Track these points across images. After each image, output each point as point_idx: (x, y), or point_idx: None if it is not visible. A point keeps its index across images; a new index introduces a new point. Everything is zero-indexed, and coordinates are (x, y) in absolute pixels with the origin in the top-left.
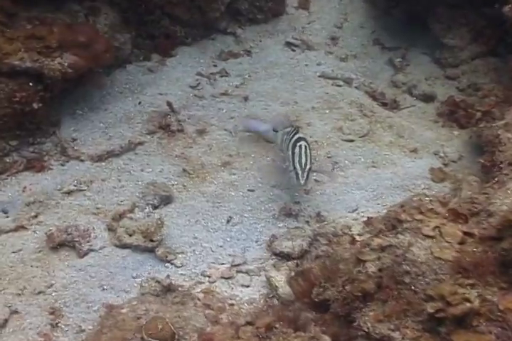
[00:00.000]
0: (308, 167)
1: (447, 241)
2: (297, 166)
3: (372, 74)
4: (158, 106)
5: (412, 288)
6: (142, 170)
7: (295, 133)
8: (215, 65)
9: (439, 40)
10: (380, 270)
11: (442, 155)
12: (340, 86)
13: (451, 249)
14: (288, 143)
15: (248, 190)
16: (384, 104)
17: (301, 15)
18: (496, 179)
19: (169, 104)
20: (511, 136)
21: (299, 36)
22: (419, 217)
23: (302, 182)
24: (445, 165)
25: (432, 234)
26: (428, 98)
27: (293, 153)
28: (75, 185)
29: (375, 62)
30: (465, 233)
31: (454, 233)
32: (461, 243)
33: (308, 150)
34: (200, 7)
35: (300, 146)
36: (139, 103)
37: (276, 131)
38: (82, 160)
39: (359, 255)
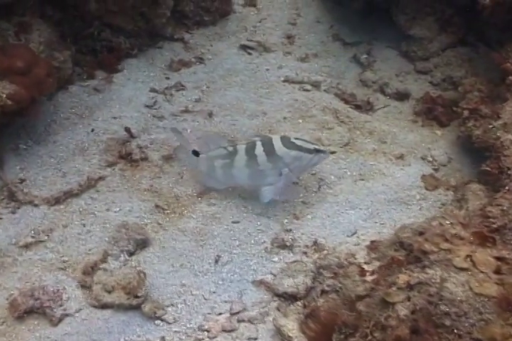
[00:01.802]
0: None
1: (482, 272)
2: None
3: (337, 74)
4: (114, 133)
5: (455, 331)
6: (108, 210)
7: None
8: (167, 78)
9: (405, 32)
10: (413, 312)
11: (430, 159)
12: (308, 90)
13: (491, 281)
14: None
15: (233, 222)
16: (357, 107)
17: (250, 14)
18: (507, 188)
19: (127, 129)
20: None
21: (252, 37)
22: (446, 245)
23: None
24: (436, 170)
25: (465, 265)
26: (402, 96)
27: None
28: (32, 236)
29: (338, 60)
30: (497, 258)
31: (487, 261)
32: (497, 272)
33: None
34: (144, 14)
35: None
36: (92, 130)
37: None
38: (36, 205)
39: (386, 297)
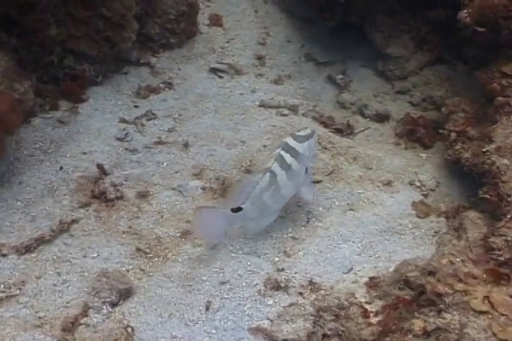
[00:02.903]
0: None
1: (503, 314)
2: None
3: (313, 96)
4: (84, 170)
5: None
6: (85, 257)
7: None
8: (136, 106)
9: (381, 51)
10: None
11: (418, 184)
12: (285, 115)
13: None
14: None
15: (221, 264)
16: (338, 131)
17: (216, 34)
18: (509, 216)
19: (100, 166)
20: (509, 162)
21: (222, 59)
22: (461, 286)
23: None
24: (425, 195)
25: (484, 308)
26: (382, 117)
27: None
28: (2, 291)
29: (313, 81)
30: None
31: (505, 301)
32: None
33: None
34: (109, 38)
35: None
36: (60, 168)
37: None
38: (4, 255)
39: None
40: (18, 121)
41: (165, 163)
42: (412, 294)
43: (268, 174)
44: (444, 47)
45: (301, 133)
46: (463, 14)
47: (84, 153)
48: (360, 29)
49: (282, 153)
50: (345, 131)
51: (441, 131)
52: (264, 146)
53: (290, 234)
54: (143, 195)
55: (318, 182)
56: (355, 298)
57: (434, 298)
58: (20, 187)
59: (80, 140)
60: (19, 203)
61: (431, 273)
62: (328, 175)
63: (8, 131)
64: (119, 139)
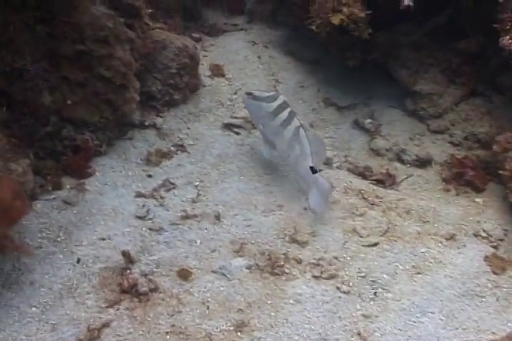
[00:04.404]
0: None
1: None
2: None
3: (342, 145)
4: (107, 259)
5: None
6: None
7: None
8: (149, 175)
9: (409, 89)
10: None
11: (484, 234)
12: (320, 170)
13: None
14: None
15: None
16: (379, 182)
17: (221, 85)
18: None
19: (125, 253)
20: None
21: (233, 113)
22: None
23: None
24: (495, 247)
25: None
26: (424, 162)
27: None
28: None
29: (338, 128)
30: None
31: None
32: None
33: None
34: (111, 101)
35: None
36: (78, 261)
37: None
38: None
39: None
40: (23, 208)
41: (198, 241)
42: None
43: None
44: (477, 79)
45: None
46: (506, 41)
47: (103, 239)
48: (383, 66)
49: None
50: (387, 181)
51: (500, 172)
52: (305, 209)
53: (359, 312)
54: (180, 283)
55: (375, 244)
56: None
57: None
58: (32, 288)
59: (94, 223)
60: (34, 309)
61: None
62: (383, 235)
63: (13, 223)
64: (139, 218)
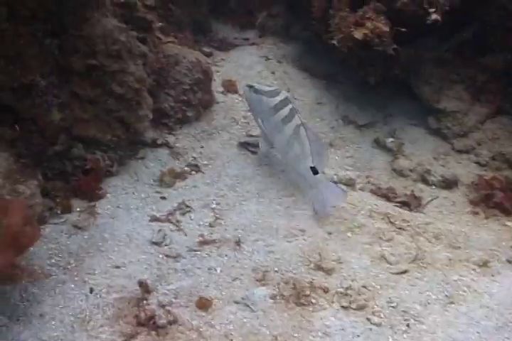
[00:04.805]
0: None
1: None
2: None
3: (363, 165)
4: (121, 289)
5: None
6: None
7: None
8: (163, 197)
9: (431, 106)
10: None
11: None
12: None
13: None
14: None
15: None
16: (404, 204)
17: (234, 102)
18: None
19: (142, 283)
20: None
21: (249, 131)
22: None
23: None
24: None
25: None
26: (450, 183)
27: None
28: None
29: (359, 147)
30: None
31: None
32: None
33: None
34: (123, 119)
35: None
36: (91, 291)
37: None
38: None
39: None
40: (34, 235)
41: (218, 269)
42: None
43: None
44: (503, 97)
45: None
46: None
47: (117, 267)
48: (404, 83)
49: None
50: (413, 203)
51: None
52: (329, 233)
53: None
54: (201, 315)
55: (405, 272)
56: None
57: None
58: (42, 321)
59: (107, 249)
60: None
61: None
62: (413, 262)
63: (23, 251)
64: (155, 243)
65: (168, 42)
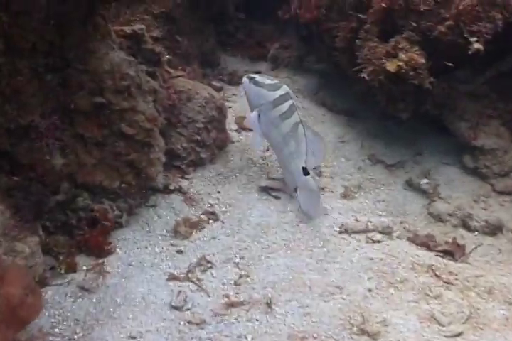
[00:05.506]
0: None
1: None
2: None
3: (396, 210)
4: None
5: None
6: None
7: None
8: (179, 251)
9: (467, 143)
10: None
11: None
12: (379, 241)
13: None
14: None
15: None
16: (447, 253)
17: (249, 140)
18: None
19: None
20: None
21: (269, 173)
22: None
23: None
24: None
25: None
26: (494, 229)
27: None
28: None
29: (390, 189)
30: None
31: None
32: None
33: None
34: (133, 163)
35: None
36: None
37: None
38: None
39: None
40: (36, 306)
41: (249, 337)
42: None
43: None
44: None
45: None
46: None
47: (133, 338)
48: (436, 118)
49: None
50: (457, 252)
51: None
52: (370, 291)
53: None
54: None
55: (459, 334)
56: None
57: None
58: None
59: (119, 316)
60: None
61: None
62: (466, 322)
63: (24, 326)
64: (175, 308)
65: (178, 76)
